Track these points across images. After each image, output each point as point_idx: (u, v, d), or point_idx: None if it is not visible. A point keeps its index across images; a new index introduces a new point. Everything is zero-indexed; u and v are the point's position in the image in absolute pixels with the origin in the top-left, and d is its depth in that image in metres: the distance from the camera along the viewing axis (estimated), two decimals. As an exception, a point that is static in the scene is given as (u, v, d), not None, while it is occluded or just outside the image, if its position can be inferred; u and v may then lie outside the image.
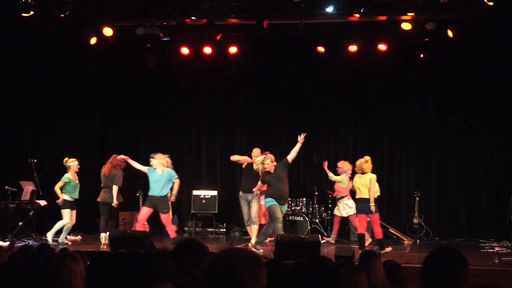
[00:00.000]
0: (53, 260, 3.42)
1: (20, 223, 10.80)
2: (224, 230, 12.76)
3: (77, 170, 10.66)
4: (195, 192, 12.63)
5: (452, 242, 11.26)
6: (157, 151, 13.07)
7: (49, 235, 10.40)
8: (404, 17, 10.44)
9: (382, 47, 11.46)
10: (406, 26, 10.49)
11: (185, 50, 12.13)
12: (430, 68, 11.96)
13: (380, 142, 12.70)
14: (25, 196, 11.12)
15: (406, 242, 11.37)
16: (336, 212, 11.19)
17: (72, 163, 10.61)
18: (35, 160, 11.14)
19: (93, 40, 11.08)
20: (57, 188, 10.42)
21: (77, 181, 10.65)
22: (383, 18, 10.65)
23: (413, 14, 10.21)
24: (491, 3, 9.08)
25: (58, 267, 3.30)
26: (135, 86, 13.31)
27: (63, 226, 10.46)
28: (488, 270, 7.57)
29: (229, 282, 2.01)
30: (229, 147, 13.30)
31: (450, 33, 10.44)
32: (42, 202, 11.17)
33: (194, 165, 13.33)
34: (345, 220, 11.82)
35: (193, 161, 13.41)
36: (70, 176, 10.53)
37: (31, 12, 9.76)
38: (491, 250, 9.91)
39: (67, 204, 10.44)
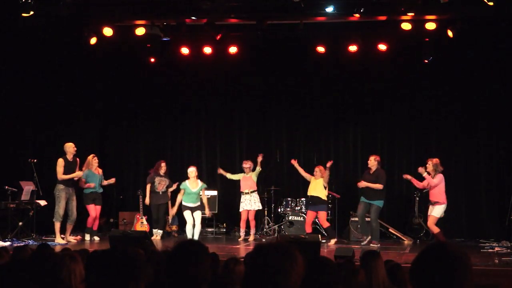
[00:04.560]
0: (53, 260, 3.42)
1: (20, 223, 10.79)
2: (224, 230, 12.75)
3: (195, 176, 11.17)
4: (195, 192, 12.60)
5: (451, 242, 11.26)
6: (157, 151, 13.21)
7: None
8: (404, 17, 10.42)
9: (382, 47, 11.45)
10: (406, 26, 10.49)
11: (185, 50, 12.13)
12: (429, 68, 11.95)
13: (380, 142, 12.69)
14: (25, 196, 11.12)
15: (406, 242, 11.36)
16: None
17: (190, 169, 11.18)
18: (35, 160, 11.15)
19: (93, 40, 11.07)
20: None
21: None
22: (383, 18, 10.64)
23: (413, 14, 10.20)
24: (491, 3, 9.08)
25: (57, 267, 3.30)
26: (135, 86, 13.30)
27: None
28: (488, 270, 7.57)
29: (267, 276, 2.00)
30: (229, 147, 13.31)
31: (450, 33, 10.44)
32: (42, 202, 11.16)
33: (194, 165, 13.29)
34: (345, 220, 11.82)
35: (193, 161, 13.38)
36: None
37: (31, 12, 9.76)
38: (491, 250, 9.91)
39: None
